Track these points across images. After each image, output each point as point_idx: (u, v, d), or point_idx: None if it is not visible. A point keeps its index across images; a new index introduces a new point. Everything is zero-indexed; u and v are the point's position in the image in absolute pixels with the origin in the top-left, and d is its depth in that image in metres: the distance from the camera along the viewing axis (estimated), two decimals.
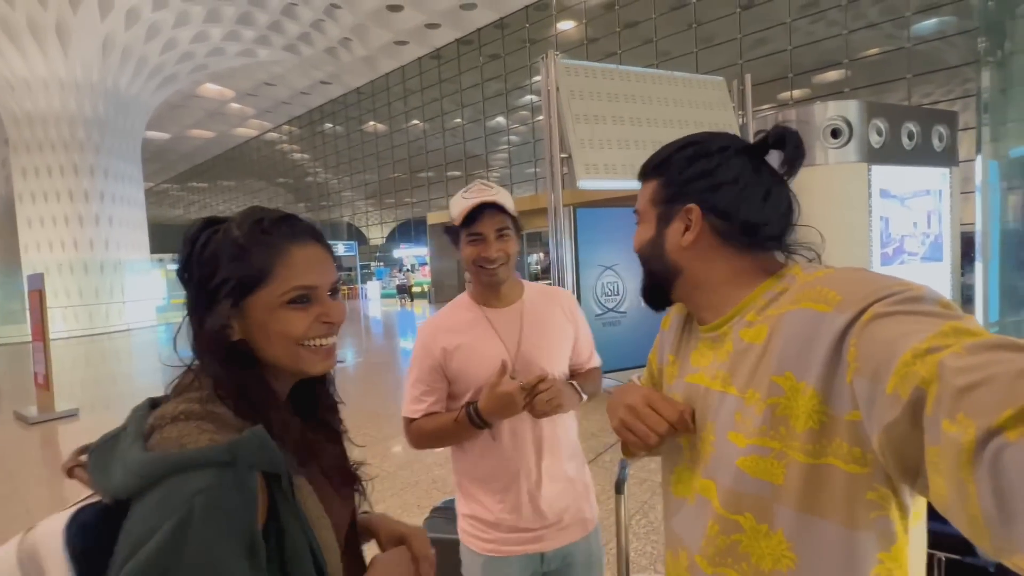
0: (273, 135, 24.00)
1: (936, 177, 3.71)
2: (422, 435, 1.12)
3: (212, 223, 0.61)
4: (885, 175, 3.50)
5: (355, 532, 0.73)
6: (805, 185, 3.33)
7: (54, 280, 11.42)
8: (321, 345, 0.62)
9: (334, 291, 0.65)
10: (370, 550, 0.77)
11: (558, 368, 1.12)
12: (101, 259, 12.55)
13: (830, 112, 3.45)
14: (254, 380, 0.60)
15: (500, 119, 16.92)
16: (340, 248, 21.86)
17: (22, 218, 12.22)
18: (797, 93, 10.89)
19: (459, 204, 1.06)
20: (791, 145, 0.64)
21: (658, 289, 0.72)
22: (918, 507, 0.54)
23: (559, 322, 1.15)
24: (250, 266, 0.58)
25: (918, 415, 0.40)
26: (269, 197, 27.33)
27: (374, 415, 4.70)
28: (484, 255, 1.05)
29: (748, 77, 3.40)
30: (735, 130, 3.50)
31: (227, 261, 0.58)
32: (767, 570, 0.57)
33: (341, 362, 7.58)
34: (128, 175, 13.45)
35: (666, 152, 0.70)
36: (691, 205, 0.65)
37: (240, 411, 0.56)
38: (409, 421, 1.13)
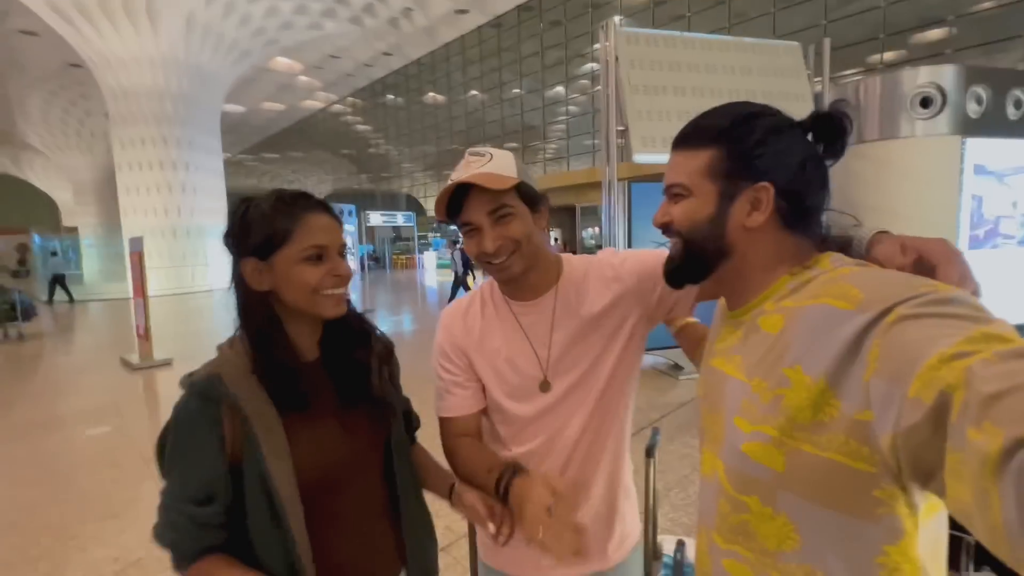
0: (338, 107, 24.74)
1: None
2: (452, 459, 0.93)
3: (248, 200, 0.78)
4: (982, 148, 3.16)
5: (390, 458, 0.86)
6: (887, 160, 3.08)
7: (148, 243, 12.61)
8: (332, 294, 0.78)
9: (342, 253, 0.80)
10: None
11: (607, 366, 0.89)
12: (187, 225, 13.69)
13: (921, 78, 3.13)
14: (268, 330, 0.77)
15: (559, 89, 16.52)
16: (399, 219, 22.50)
17: (121, 186, 13.48)
18: (890, 56, 9.82)
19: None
20: (838, 128, 0.63)
21: (695, 269, 0.68)
22: (933, 500, 0.52)
23: (604, 303, 0.89)
24: (275, 229, 0.74)
25: (941, 421, 0.39)
26: (333, 167, 28.43)
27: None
28: (481, 250, 0.82)
29: (826, 41, 3.14)
30: (809, 99, 3.27)
31: (258, 226, 0.75)
32: (773, 549, 0.58)
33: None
34: (209, 146, 14.43)
35: (725, 120, 0.64)
36: (766, 184, 0.61)
37: (253, 360, 0.75)
38: (442, 421, 0.96)
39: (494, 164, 0.81)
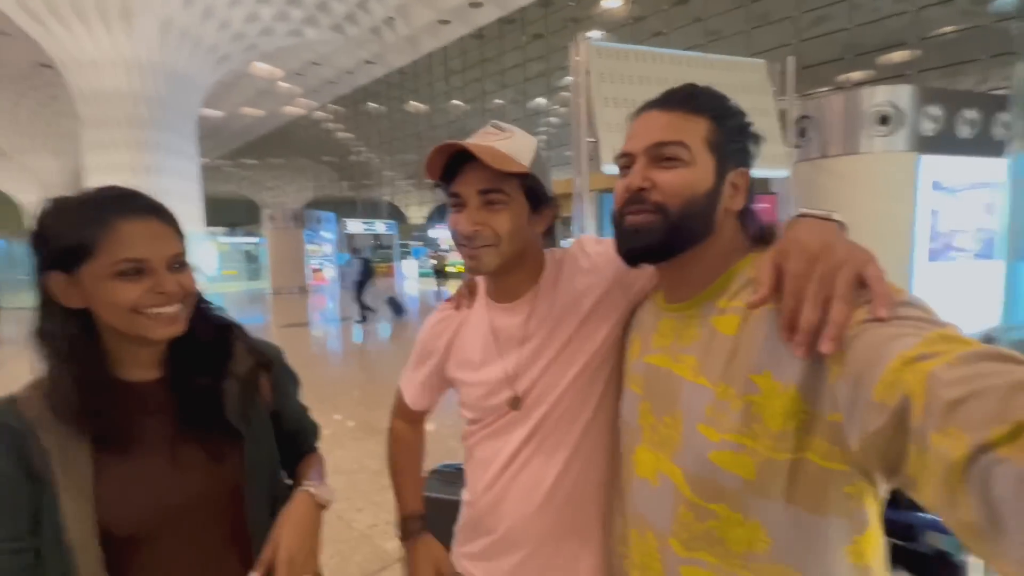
0: (319, 114, 24.56)
1: (997, 169, 3.45)
2: (391, 446, 0.98)
3: (56, 200, 0.66)
4: (938, 166, 3.28)
5: (240, 489, 0.73)
6: (847, 174, 3.17)
7: None
8: (159, 313, 0.65)
9: (178, 264, 0.68)
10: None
11: (572, 370, 0.79)
12: None
13: (878, 97, 3.25)
14: (75, 344, 0.65)
15: (541, 100, 16.68)
16: (380, 227, 22.33)
17: None
18: (858, 75, 10.21)
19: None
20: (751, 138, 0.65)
21: (668, 247, 0.61)
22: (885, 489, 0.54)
23: (575, 294, 0.79)
24: (77, 238, 0.62)
25: (904, 423, 0.39)
26: (315, 175, 28.13)
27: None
28: (458, 228, 0.74)
29: (791, 60, 3.23)
30: (774, 115, 3.36)
31: (60, 233, 0.63)
32: (742, 552, 0.56)
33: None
34: (184, 151, 14.16)
35: (716, 99, 0.63)
36: (744, 169, 0.63)
37: (46, 390, 0.65)
38: (399, 391, 0.96)
39: (509, 143, 0.72)
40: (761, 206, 3.15)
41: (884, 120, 3.20)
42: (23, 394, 0.65)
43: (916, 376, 0.38)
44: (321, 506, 0.75)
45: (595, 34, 13.94)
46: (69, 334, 0.64)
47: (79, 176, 13.84)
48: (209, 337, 0.74)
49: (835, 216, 0.58)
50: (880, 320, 0.45)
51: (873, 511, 0.53)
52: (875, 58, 10.00)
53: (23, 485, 0.61)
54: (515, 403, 0.79)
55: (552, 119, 16.69)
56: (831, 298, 0.48)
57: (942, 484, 0.36)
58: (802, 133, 3.54)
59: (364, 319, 9.87)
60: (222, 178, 33.29)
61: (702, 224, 0.61)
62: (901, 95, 3.20)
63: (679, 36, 12.41)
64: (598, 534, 0.80)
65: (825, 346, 0.46)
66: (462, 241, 0.74)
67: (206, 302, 0.76)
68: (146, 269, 0.64)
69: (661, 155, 0.60)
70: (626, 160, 0.65)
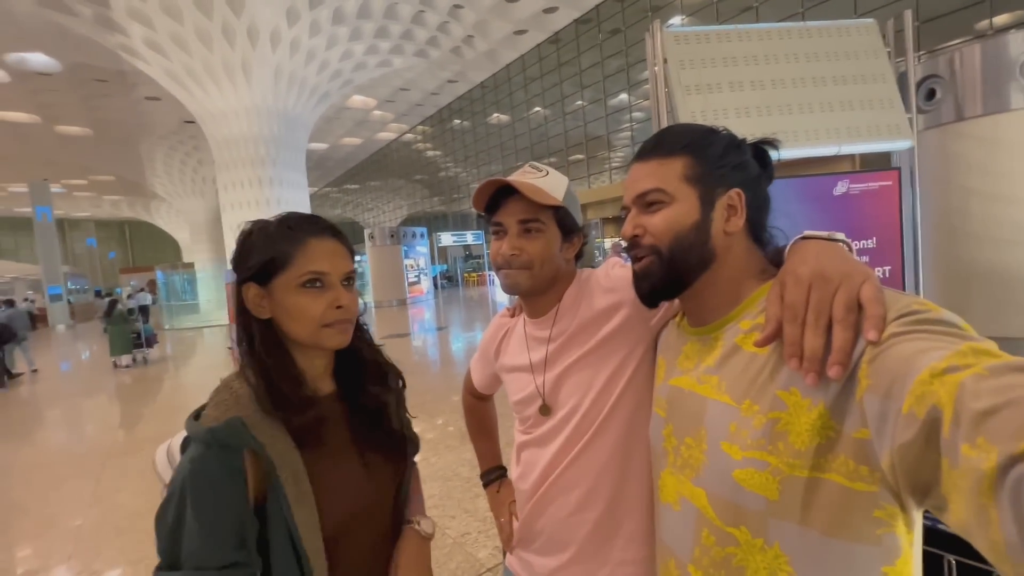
0: (409, 136, 26.16)
1: None
2: (466, 415, 1.16)
3: (255, 222, 0.75)
4: None
5: (401, 498, 0.81)
6: (993, 137, 2.69)
7: None
8: (338, 322, 0.72)
9: (349, 280, 0.75)
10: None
11: (595, 387, 0.83)
12: None
13: None
14: (276, 362, 0.70)
15: (623, 96, 16.26)
16: (469, 238, 23.14)
17: (226, 224, 15.14)
18: (1003, 19, 8.61)
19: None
20: (766, 154, 0.66)
21: (674, 284, 0.65)
22: (919, 517, 0.52)
23: (594, 312, 0.85)
24: (275, 252, 0.70)
25: (933, 436, 0.38)
26: (408, 193, 29.96)
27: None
28: (500, 251, 0.85)
29: (907, 13, 2.81)
30: (891, 79, 2.95)
31: (259, 249, 0.71)
32: None
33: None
34: (296, 182, 15.82)
35: (686, 135, 0.66)
36: (738, 189, 0.63)
37: (258, 393, 0.67)
38: (469, 378, 1.13)
39: (545, 181, 0.84)
40: (880, 184, 2.76)
41: None
42: (244, 409, 0.66)
43: (946, 388, 0.38)
44: (427, 539, 0.82)
45: (676, 20, 13.29)
46: (267, 336, 0.72)
47: (218, 213, 16.01)
48: (370, 355, 0.83)
49: (838, 236, 0.60)
50: (874, 344, 0.45)
51: (906, 540, 0.50)
52: None
53: (246, 510, 0.62)
54: (545, 410, 0.88)
55: (636, 114, 16.18)
56: (831, 323, 0.49)
57: (972, 499, 0.35)
58: (930, 96, 3.06)
59: None
60: (329, 204, 36.74)
61: (698, 254, 0.63)
62: None
63: (769, 9, 11.40)
64: (643, 549, 0.84)
65: (832, 371, 0.48)
66: (502, 264, 0.85)
67: (362, 324, 0.83)
68: (326, 283, 0.72)
69: (645, 202, 0.65)
70: (625, 213, 0.70)
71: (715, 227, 0.63)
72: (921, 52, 3.04)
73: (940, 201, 2.94)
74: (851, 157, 3.06)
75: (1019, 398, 0.33)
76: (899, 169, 2.70)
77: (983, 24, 8.80)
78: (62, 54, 13.13)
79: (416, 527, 0.81)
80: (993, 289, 2.75)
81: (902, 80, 2.92)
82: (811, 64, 3.00)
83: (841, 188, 2.66)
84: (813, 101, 2.71)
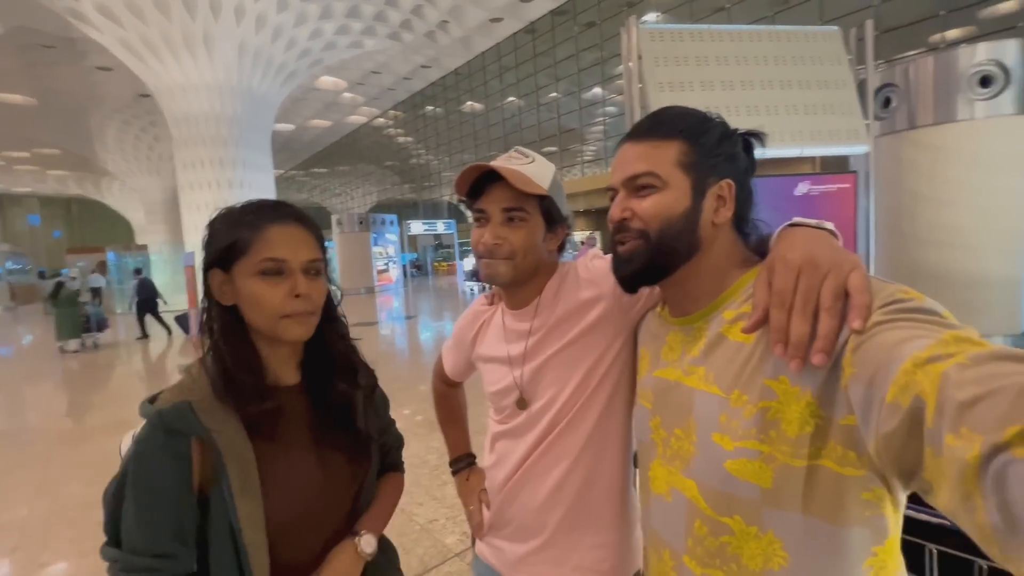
0: (380, 121, 25.55)
1: None
2: (435, 400, 1.13)
3: (225, 208, 0.73)
4: None
5: (361, 487, 0.79)
6: (942, 145, 2.84)
7: None
8: (297, 313, 0.70)
9: (313, 271, 0.72)
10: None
11: (572, 381, 0.83)
12: None
13: (979, 56, 2.88)
14: (233, 349, 0.70)
15: (597, 90, 16.35)
16: (440, 227, 22.91)
17: (184, 205, 14.47)
18: (954, 34, 9.08)
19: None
20: (751, 145, 0.66)
21: (657, 269, 0.64)
22: (904, 498, 0.53)
23: (574, 305, 0.84)
24: (235, 237, 0.69)
25: (917, 425, 0.39)
26: (379, 179, 29.37)
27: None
28: (482, 240, 0.81)
29: (868, 23, 2.94)
30: (851, 86, 3.08)
31: (221, 234, 0.70)
32: (758, 569, 0.56)
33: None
34: (261, 164, 15.25)
35: (684, 119, 0.64)
36: (729, 180, 0.63)
37: (213, 379, 0.67)
38: (440, 364, 1.10)
39: (531, 168, 0.81)
40: (839, 186, 2.89)
41: (985, 82, 2.82)
42: (196, 395, 0.65)
43: (929, 377, 0.38)
44: (362, 559, 0.76)
45: (650, 17, 13.42)
46: (228, 323, 0.70)
47: (175, 193, 15.30)
48: (340, 349, 0.79)
49: (826, 225, 0.60)
50: (858, 332, 0.46)
51: (893, 520, 0.52)
52: (976, 12, 8.85)
53: (187, 498, 0.61)
54: (522, 404, 0.87)
55: (609, 108, 16.31)
56: (818, 310, 0.49)
57: (957, 486, 0.36)
58: (886, 103, 3.21)
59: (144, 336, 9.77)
60: (295, 187, 35.59)
61: (685, 242, 0.62)
62: (1008, 51, 2.81)
63: (741, 10, 11.66)
64: (613, 533, 0.86)
65: (816, 358, 0.48)
66: (483, 253, 0.82)
67: (336, 316, 0.81)
68: (285, 270, 0.69)
69: (636, 186, 0.63)
70: (612, 193, 0.67)
71: (704, 217, 0.62)
72: (880, 61, 3.19)
73: (891, 204, 3.10)
74: (812, 159, 3.19)
75: (1001, 387, 0.34)
76: (856, 172, 2.84)
77: (936, 37, 9.27)
78: (2, 15, 12.18)
79: (356, 541, 0.75)
80: (936, 290, 2.93)
81: (862, 87, 3.06)
82: (779, 67, 3.09)
83: (802, 189, 2.78)
84: (779, 104, 2.81)
